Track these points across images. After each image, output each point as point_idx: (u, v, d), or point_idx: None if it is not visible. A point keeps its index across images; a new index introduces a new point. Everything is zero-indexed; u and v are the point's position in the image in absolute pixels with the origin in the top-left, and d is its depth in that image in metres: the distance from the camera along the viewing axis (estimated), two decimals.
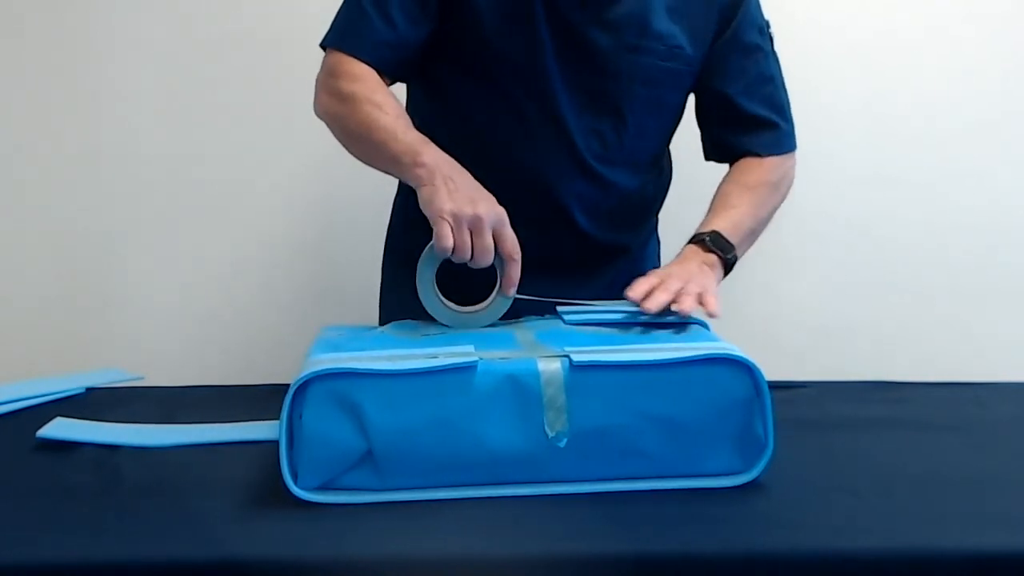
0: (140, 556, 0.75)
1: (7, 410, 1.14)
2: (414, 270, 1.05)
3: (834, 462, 0.96)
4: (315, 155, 1.84)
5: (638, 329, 0.99)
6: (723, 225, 1.22)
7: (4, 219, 1.88)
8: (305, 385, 0.85)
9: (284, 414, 0.84)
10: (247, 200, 1.89)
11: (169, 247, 1.89)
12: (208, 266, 1.90)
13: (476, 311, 1.06)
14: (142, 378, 1.32)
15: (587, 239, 1.29)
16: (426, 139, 1.13)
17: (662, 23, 1.24)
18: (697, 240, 1.20)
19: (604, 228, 1.30)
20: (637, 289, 1.04)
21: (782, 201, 1.34)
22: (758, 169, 1.31)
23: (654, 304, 1.01)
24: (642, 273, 1.29)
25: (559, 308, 1.06)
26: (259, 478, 0.89)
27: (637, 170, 1.31)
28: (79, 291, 1.89)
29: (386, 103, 1.16)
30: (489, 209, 1.04)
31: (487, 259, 1.03)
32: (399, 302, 1.34)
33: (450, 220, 1.02)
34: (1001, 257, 1.91)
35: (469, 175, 1.10)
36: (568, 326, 1.02)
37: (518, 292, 1.05)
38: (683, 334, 0.96)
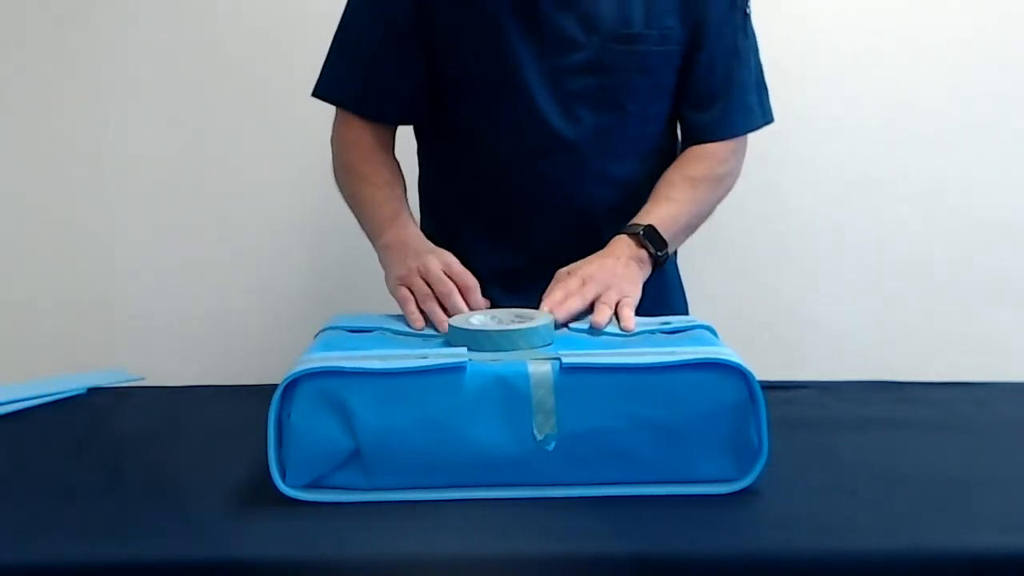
0: (139, 556, 0.75)
1: (8, 410, 1.14)
2: None
3: (834, 462, 0.96)
4: (316, 154, 1.83)
5: (642, 334, 0.99)
6: (660, 219, 1.20)
7: (5, 219, 1.88)
8: (294, 383, 0.85)
9: (272, 412, 0.84)
10: (248, 200, 1.89)
11: (170, 247, 1.89)
12: (209, 266, 1.90)
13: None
14: (143, 378, 1.32)
15: (602, 240, 1.26)
16: (396, 214, 1.22)
17: (648, 6, 1.22)
18: (631, 232, 1.19)
19: (618, 226, 1.26)
20: (552, 297, 1.04)
21: (727, 192, 1.32)
22: (706, 160, 1.28)
23: (565, 313, 1.01)
24: (665, 277, 1.29)
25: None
26: (257, 477, 0.89)
27: (645, 160, 1.29)
28: (80, 291, 1.89)
29: (372, 178, 1.26)
30: (432, 258, 1.11)
31: (449, 295, 1.06)
32: None
33: (402, 286, 1.10)
34: (1001, 257, 1.91)
35: (421, 241, 1.18)
36: (570, 332, 1.01)
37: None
38: (684, 339, 0.95)
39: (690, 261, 1.89)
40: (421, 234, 1.21)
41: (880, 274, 1.91)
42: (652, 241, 1.18)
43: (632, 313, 1.05)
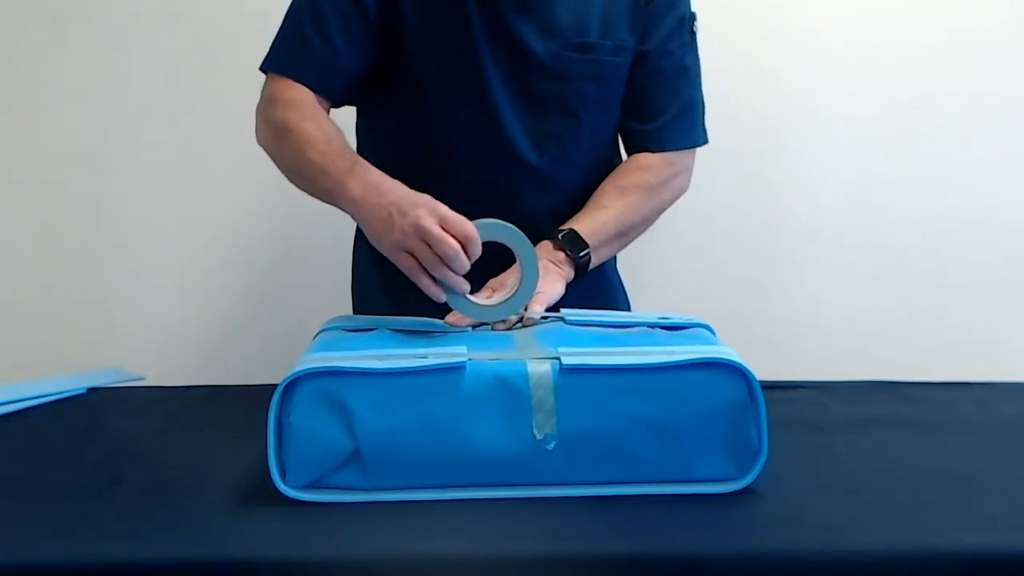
0: (139, 556, 0.75)
1: (7, 410, 1.14)
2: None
3: (834, 462, 0.96)
4: None
5: (641, 332, 0.99)
6: (585, 225, 1.23)
7: (5, 219, 1.88)
8: (294, 383, 0.85)
9: (272, 413, 0.84)
10: (248, 200, 1.89)
11: (170, 247, 1.89)
12: (209, 266, 1.90)
13: (498, 303, 1.03)
14: (143, 378, 1.32)
15: None
16: (352, 163, 1.11)
17: (605, 18, 1.24)
18: (551, 236, 1.21)
19: None
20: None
21: (665, 205, 1.33)
22: (638, 171, 1.30)
23: (454, 320, 1.03)
24: (606, 279, 1.30)
25: (563, 311, 1.06)
26: (257, 477, 0.89)
27: (594, 171, 1.31)
28: (79, 291, 1.90)
29: (315, 134, 1.15)
30: (423, 212, 0.99)
31: (456, 257, 0.97)
32: (373, 296, 1.37)
33: (401, 251, 1.00)
34: (1002, 257, 1.91)
35: (393, 184, 1.07)
36: (571, 327, 1.01)
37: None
38: (684, 337, 0.96)
39: (690, 260, 1.90)
40: (388, 177, 1.09)
41: (880, 274, 1.91)
42: (571, 244, 1.20)
43: (540, 306, 1.07)
